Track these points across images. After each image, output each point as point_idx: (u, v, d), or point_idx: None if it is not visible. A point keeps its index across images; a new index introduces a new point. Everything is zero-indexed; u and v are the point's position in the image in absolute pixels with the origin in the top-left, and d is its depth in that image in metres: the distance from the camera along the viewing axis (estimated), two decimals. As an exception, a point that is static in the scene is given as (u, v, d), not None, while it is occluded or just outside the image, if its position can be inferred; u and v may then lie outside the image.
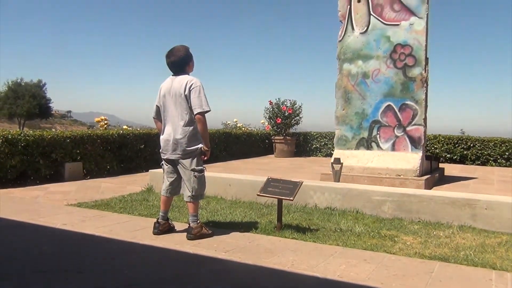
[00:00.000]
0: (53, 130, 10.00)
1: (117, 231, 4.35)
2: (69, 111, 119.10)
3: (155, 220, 4.38)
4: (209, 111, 4.16)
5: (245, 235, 4.27)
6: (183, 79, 4.18)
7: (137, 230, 4.39)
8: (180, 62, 4.22)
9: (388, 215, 5.16)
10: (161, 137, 4.33)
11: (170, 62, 4.24)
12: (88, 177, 8.34)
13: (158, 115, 4.37)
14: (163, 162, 4.40)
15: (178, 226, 4.48)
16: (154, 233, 4.24)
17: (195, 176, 4.19)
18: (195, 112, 4.12)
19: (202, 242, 4.01)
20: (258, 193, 4.57)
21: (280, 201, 4.45)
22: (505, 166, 11.83)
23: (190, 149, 4.18)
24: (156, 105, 4.36)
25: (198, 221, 4.21)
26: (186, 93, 4.11)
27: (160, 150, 4.36)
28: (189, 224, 4.19)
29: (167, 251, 3.78)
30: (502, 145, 12.00)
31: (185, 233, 4.16)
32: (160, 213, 4.36)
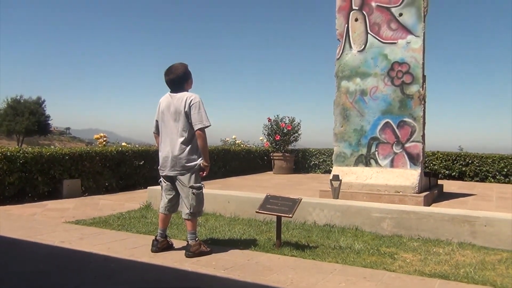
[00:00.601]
0: (52, 147, 10.00)
1: (115, 249, 4.32)
2: (68, 128, 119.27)
3: (153, 237, 4.36)
4: (209, 125, 4.20)
5: (244, 253, 4.25)
6: (182, 96, 4.20)
7: (135, 248, 4.37)
8: (179, 80, 4.24)
9: (388, 232, 5.14)
10: (160, 153, 4.33)
11: (169, 79, 4.26)
12: (86, 194, 8.32)
13: (158, 130, 4.39)
14: (161, 179, 4.38)
15: (177, 243, 4.45)
16: (153, 251, 4.21)
17: (193, 193, 4.19)
18: (196, 128, 4.14)
19: (201, 260, 3.98)
20: (257, 210, 4.56)
21: (279, 218, 4.43)
22: (504, 182, 11.84)
23: (189, 165, 4.18)
24: (156, 120, 4.38)
25: (197, 239, 4.19)
26: (186, 109, 4.13)
27: (159, 167, 4.35)
28: (188, 241, 4.17)
29: (166, 269, 3.75)
30: (501, 161, 12.02)
31: (184, 251, 4.14)
32: (159, 231, 4.33)
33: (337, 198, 6.35)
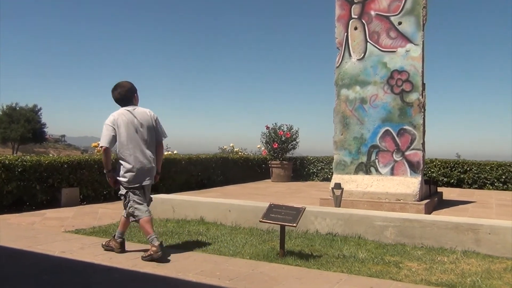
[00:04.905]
0: (50, 155, 9.93)
1: (117, 259, 4.27)
2: (63, 136, 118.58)
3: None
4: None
5: (248, 262, 4.21)
6: (143, 110, 4.59)
7: (137, 258, 4.31)
8: (128, 94, 4.57)
9: (391, 240, 5.11)
10: (131, 166, 4.42)
11: (118, 94, 4.55)
12: (85, 202, 8.25)
13: (112, 145, 4.45)
14: (130, 191, 4.45)
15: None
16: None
17: (151, 198, 4.71)
18: (161, 140, 4.69)
19: (205, 270, 3.94)
20: (261, 219, 4.53)
21: (283, 228, 4.40)
22: (502, 189, 11.86)
23: (154, 173, 4.61)
24: (113, 135, 4.42)
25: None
26: (153, 124, 4.58)
27: (128, 180, 4.43)
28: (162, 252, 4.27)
29: (170, 279, 3.70)
30: (499, 168, 12.05)
31: (188, 261, 4.10)
32: (154, 236, 4.34)
33: (339, 206, 6.33)
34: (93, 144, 11.02)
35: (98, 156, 9.22)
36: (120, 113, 4.50)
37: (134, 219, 4.49)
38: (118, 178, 4.49)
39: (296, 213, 4.39)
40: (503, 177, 11.98)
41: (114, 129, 4.43)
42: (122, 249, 4.54)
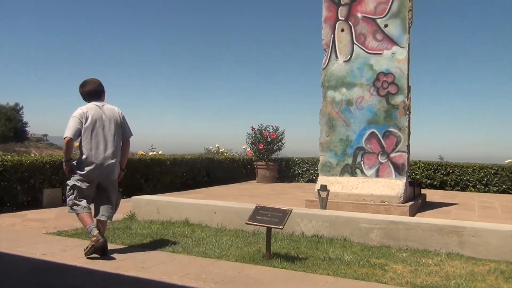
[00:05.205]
0: (32, 154, 9.73)
1: (100, 262, 4.19)
2: (45, 135, 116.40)
3: (140, 250, 4.28)
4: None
5: (234, 265, 4.17)
6: (112, 107, 4.68)
7: (121, 261, 4.24)
8: (98, 90, 4.68)
9: (376, 242, 5.13)
10: (92, 160, 4.46)
11: (88, 90, 4.64)
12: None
13: (76, 136, 4.48)
14: (81, 185, 4.49)
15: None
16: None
17: (119, 195, 4.84)
18: (128, 137, 4.80)
19: (190, 272, 3.89)
20: (247, 222, 4.50)
21: (269, 230, 4.38)
22: (484, 191, 12.02)
23: (118, 170, 4.71)
24: (79, 128, 4.45)
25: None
26: (121, 120, 4.67)
27: (84, 173, 4.47)
28: (104, 239, 4.33)
29: (155, 283, 3.65)
30: (481, 171, 12.22)
31: (173, 264, 4.05)
32: (93, 226, 4.39)
33: (325, 208, 6.33)
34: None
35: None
36: (89, 107, 4.55)
37: (71, 211, 4.56)
38: (76, 170, 4.51)
39: (282, 215, 4.37)
40: (485, 179, 12.14)
41: (81, 122, 4.47)
42: (102, 239, 4.31)
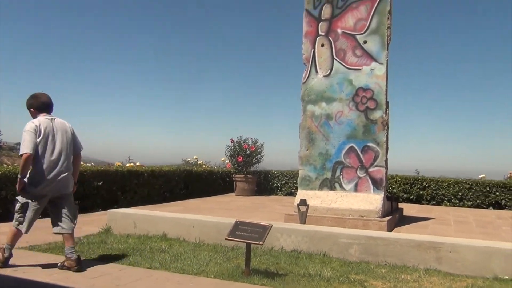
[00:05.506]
0: (4, 165, 9.46)
1: (74, 279, 4.07)
2: (18, 143, 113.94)
3: (116, 266, 4.16)
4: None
5: (212, 282, 4.10)
6: (62, 121, 4.66)
7: (95, 277, 4.12)
8: (51, 103, 4.67)
9: (355, 258, 5.13)
10: (45, 176, 4.40)
11: (43, 101, 4.61)
12: (40, 216, 7.84)
13: (35, 152, 4.40)
14: (33, 201, 4.43)
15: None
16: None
17: (76, 208, 4.72)
18: (79, 151, 4.79)
19: (168, 290, 3.80)
20: (227, 237, 4.43)
21: (248, 246, 4.32)
22: (459, 206, 12.23)
23: (72, 183, 4.69)
24: (35, 142, 4.38)
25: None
26: (71, 135, 4.67)
27: (39, 188, 4.40)
28: (69, 256, 4.33)
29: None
30: (455, 185, 12.44)
31: (150, 281, 3.94)
32: (10, 246, 4.46)
33: (304, 223, 6.31)
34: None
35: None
36: (41, 121, 4.49)
37: (15, 226, 4.46)
38: (28, 186, 4.41)
39: (262, 231, 4.33)
40: (460, 194, 12.37)
41: (36, 135, 4.39)
42: (78, 266, 4.34)
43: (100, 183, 9.14)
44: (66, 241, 4.49)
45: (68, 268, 4.30)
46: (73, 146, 4.70)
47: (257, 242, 4.27)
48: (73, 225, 4.63)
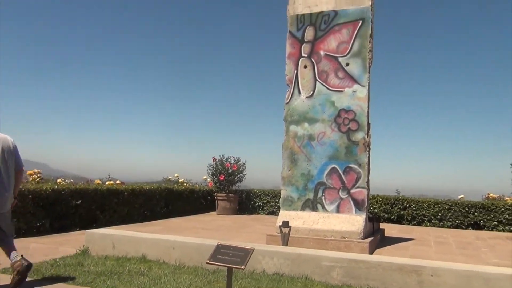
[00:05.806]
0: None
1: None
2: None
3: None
4: None
5: (192, 307, 4.00)
6: (5, 136, 4.59)
7: (71, 302, 3.99)
8: None
9: (337, 281, 5.09)
10: None
11: None
12: (15, 236, 7.60)
13: None
14: None
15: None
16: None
17: (11, 221, 4.71)
18: (20, 167, 4.70)
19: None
20: (208, 261, 4.34)
21: (230, 270, 4.25)
22: (438, 226, 12.34)
23: (12, 200, 4.63)
24: None
25: None
26: (13, 150, 4.59)
27: None
28: (18, 256, 4.38)
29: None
30: (435, 206, 12.56)
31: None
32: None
33: (286, 245, 6.27)
34: (28, 172, 10.37)
35: (33, 186, 8.66)
36: None
37: None
38: None
39: (244, 255, 4.26)
40: (439, 214, 12.49)
41: None
42: (27, 262, 4.35)
43: (79, 202, 8.95)
44: (7, 252, 4.44)
45: (19, 272, 4.20)
46: (16, 162, 4.61)
47: (238, 266, 4.20)
48: (10, 239, 4.58)
